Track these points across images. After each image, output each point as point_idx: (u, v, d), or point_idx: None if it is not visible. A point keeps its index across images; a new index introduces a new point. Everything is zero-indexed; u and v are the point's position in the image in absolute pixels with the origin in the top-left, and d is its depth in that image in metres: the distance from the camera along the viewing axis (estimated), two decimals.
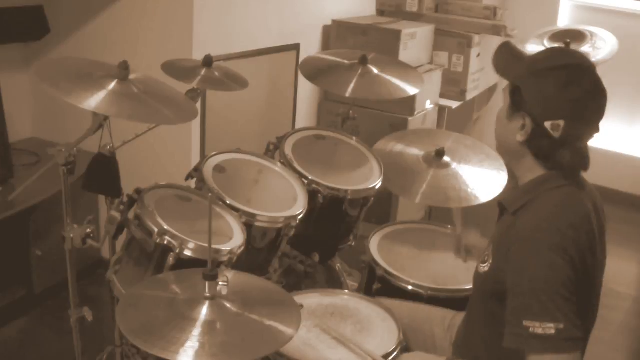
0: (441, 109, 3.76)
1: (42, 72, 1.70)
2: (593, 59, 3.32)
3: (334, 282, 2.64)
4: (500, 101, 1.61)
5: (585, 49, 3.41)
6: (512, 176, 1.66)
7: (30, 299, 2.76)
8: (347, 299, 1.94)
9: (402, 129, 3.31)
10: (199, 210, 1.93)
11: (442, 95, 3.78)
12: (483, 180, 2.39)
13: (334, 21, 3.50)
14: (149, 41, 2.71)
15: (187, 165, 2.32)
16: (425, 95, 3.47)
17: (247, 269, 1.63)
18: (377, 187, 2.34)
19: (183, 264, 1.71)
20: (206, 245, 1.44)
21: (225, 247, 1.78)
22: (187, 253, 1.73)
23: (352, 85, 2.42)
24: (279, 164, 2.28)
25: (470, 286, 1.74)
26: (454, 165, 2.43)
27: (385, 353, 1.67)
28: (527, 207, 1.49)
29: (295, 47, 3.27)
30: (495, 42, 3.77)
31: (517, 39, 3.80)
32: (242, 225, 1.93)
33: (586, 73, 1.45)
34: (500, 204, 1.61)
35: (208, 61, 2.16)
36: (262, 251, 2.09)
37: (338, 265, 2.65)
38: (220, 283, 1.37)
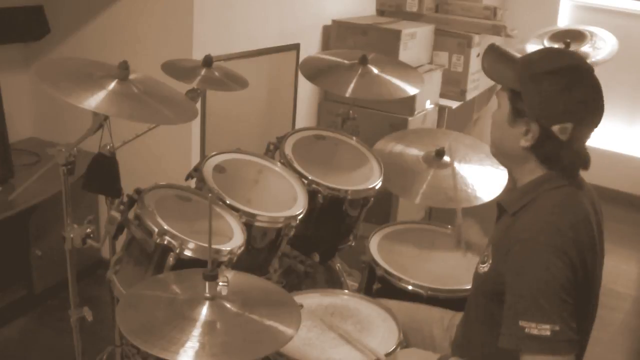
0: (441, 109, 3.76)
1: (42, 72, 1.70)
2: (593, 59, 3.33)
3: (334, 282, 2.64)
4: None
5: (585, 49, 3.41)
6: (510, 177, 1.65)
7: (30, 299, 2.76)
8: (347, 299, 1.94)
9: (402, 129, 3.31)
10: (199, 210, 1.93)
11: (442, 95, 3.77)
12: (483, 179, 2.40)
13: (334, 21, 3.50)
14: (149, 41, 2.71)
15: (187, 165, 2.32)
16: (425, 95, 3.47)
17: (247, 269, 1.63)
18: (377, 187, 2.34)
19: (183, 264, 1.71)
20: (206, 245, 1.44)
21: (225, 247, 1.79)
22: (187, 253, 1.73)
23: (352, 85, 2.42)
24: (279, 164, 2.28)
25: (470, 286, 1.74)
26: (454, 164, 2.43)
27: (385, 353, 1.67)
28: (526, 208, 1.49)
29: (295, 47, 3.27)
30: (495, 42, 3.77)
31: (517, 39, 3.81)
32: (242, 225, 1.93)
33: (586, 73, 1.45)
34: (499, 205, 1.61)
35: (208, 61, 2.16)
36: (262, 251, 2.09)
37: (338, 265, 2.65)
38: (220, 283, 1.37)
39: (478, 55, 3.81)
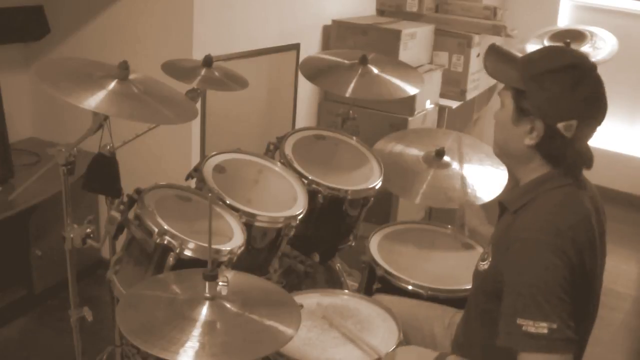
0: (441, 109, 3.76)
1: (42, 72, 1.70)
2: (593, 59, 3.31)
3: (334, 282, 2.64)
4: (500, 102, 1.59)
5: (585, 49, 3.41)
6: (512, 176, 1.65)
7: (30, 299, 2.76)
8: (347, 299, 1.94)
9: (402, 129, 3.31)
10: (199, 210, 1.93)
11: (442, 95, 3.77)
12: (483, 179, 2.40)
13: (334, 21, 3.50)
14: (148, 41, 2.71)
15: (187, 165, 2.32)
16: (425, 95, 3.47)
17: (247, 269, 1.63)
18: (377, 187, 2.34)
19: (183, 264, 1.71)
20: (206, 245, 1.44)
21: (225, 247, 1.79)
22: (187, 253, 1.73)
23: (352, 85, 2.42)
24: (279, 164, 2.28)
25: (469, 286, 1.74)
26: (454, 164, 2.43)
27: (385, 352, 1.67)
28: (527, 207, 1.49)
29: (295, 47, 3.27)
30: (496, 42, 3.77)
31: (517, 39, 3.81)
32: (242, 225, 1.93)
33: (589, 71, 1.46)
34: (501, 204, 1.61)
35: (208, 61, 2.16)
36: (262, 251, 2.09)
37: (338, 265, 2.65)
38: (220, 283, 1.37)
39: (478, 55, 3.81)
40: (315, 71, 2.54)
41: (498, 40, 3.65)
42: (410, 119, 3.40)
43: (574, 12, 4.64)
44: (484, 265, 1.55)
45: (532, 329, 1.33)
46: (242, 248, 1.84)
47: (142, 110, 1.67)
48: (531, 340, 1.33)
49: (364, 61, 2.50)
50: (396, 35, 3.34)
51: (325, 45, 3.53)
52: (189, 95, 2.05)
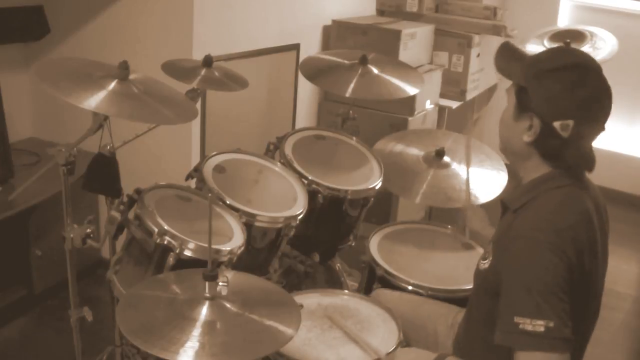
0: (441, 109, 3.76)
1: (42, 72, 1.70)
2: None
3: (334, 282, 2.64)
4: (500, 101, 1.61)
5: (585, 49, 3.40)
6: (515, 175, 1.65)
7: (30, 299, 2.76)
8: (347, 299, 1.94)
9: (402, 129, 3.32)
10: (199, 210, 1.93)
11: (442, 95, 3.77)
12: (483, 180, 2.39)
13: (334, 21, 3.50)
14: (148, 41, 2.71)
15: (187, 165, 2.32)
16: (425, 95, 3.47)
17: (247, 269, 1.63)
18: (377, 187, 2.34)
19: (183, 264, 1.71)
20: (206, 245, 1.44)
21: (225, 247, 1.78)
22: (187, 253, 1.73)
23: (352, 85, 2.42)
24: (279, 164, 2.28)
25: (469, 286, 1.74)
26: (454, 165, 2.43)
27: (386, 353, 1.67)
28: (527, 206, 1.49)
29: (295, 47, 3.27)
30: (495, 42, 3.78)
31: (517, 39, 3.81)
32: (242, 225, 1.93)
33: (592, 73, 1.46)
34: (503, 202, 1.61)
35: (208, 61, 2.16)
36: (262, 251, 2.09)
37: (338, 265, 2.65)
38: (220, 283, 1.37)
39: (478, 55, 3.81)
40: (315, 71, 2.54)
41: (498, 41, 3.65)
42: (410, 119, 3.40)
43: (574, 12, 4.64)
44: (485, 265, 1.55)
45: (529, 327, 1.32)
46: (242, 248, 1.84)
47: (142, 110, 1.67)
48: (528, 339, 1.33)
49: (364, 61, 2.50)
50: (396, 35, 3.34)
51: (325, 45, 3.53)
52: (189, 95, 2.05)
